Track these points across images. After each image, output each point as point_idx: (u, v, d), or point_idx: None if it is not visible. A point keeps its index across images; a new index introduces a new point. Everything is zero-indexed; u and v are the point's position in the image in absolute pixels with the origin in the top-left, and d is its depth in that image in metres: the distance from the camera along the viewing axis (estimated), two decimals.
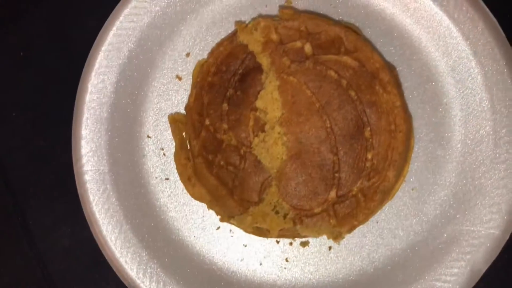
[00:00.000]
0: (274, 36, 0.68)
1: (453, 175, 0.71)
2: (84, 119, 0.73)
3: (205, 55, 0.75)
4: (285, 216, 0.66)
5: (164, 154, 0.75)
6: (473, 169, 0.70)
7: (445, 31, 0.72)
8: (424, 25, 0.73)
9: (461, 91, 0.72)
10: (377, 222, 0.71)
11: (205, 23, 0.76)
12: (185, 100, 0.75)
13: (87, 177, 0.72)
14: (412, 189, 0.71)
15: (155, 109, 0.75)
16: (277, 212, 0.66)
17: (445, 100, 0.72)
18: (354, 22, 0.74)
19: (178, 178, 0.73)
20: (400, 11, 0.74)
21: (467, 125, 0.71)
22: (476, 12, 0.71)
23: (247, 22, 0.75)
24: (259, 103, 0.68)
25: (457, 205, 0.70)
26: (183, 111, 0.75)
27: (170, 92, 0.76)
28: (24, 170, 0.77)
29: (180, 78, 0.76)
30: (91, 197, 0.71)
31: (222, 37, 0.76)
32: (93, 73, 0.73)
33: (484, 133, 0.70)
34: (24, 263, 0.76)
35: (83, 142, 0.72)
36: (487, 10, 0.71)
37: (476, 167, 0.70)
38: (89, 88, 0.73)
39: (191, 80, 0.75)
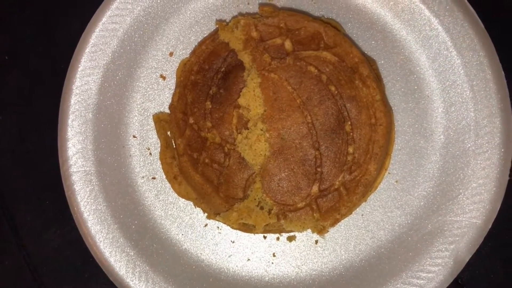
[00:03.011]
0: (254, 34, 0.69)
1: (436, 166, 0.71)
2: (69, 121, 0.73)
3: (188, 54, 0.76)
4: (269, 212, 0.66)
5: (150, 154, 0.75)
6: (455, 160, 0.71)
7: (425, 23, 0.73)
8: (404, 18, 0.73)
9: (442, 82, 0.72)
10: (362, 215, 0.72)
11: (188, 22, 0.76)
12: (170, 100, 0.75)
13: (74, 178, 0.72)
14: (396, 181, 0.72)
15: (140, 109, 0.76)
16: (261, 208, 0.67)
17: (427, 92, 0.73)
18: (335, 17, 0.75)
19: (165, 177, 0.74)
20: (380, 5, 0.74)
21: (449, 117, 0.72)
22: (456, 4, 0.72)
23: (228, 20, 0.75)
24: (241, 101, 0.68)
25: (440, 196, 0.70)
26: (167, 111, 0.75)
27: (155, 92, 0.76)
28: (12, 173, 0.78)
29: (164, 78, 0.76)
30: (78, 198, 0.72)
31: (205, 35, 0.76)
32: (77, 75, 0.74)
33: (466, 123, 0.71)
34: (14, 265, 0.76)
35: (69, 144, 0.73)
36: (466, 2, 0.72)
37: (459, 157, 0.71)
38: (73, 90, 0.74)
39: (175, 79, 0.75)
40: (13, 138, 0.78)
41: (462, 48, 0.72)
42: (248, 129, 0.68)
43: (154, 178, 0.74)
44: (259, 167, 0.67)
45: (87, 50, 0.74)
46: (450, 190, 0.70)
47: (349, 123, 0.66)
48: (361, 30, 0.74)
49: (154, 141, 0.75)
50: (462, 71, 0.72)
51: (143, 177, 0.75)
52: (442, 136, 0.72)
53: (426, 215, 0.70)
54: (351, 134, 0.66)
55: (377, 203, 0.72)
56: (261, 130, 0.67)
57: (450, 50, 0.72)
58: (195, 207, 0.72)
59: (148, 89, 0.76)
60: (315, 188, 0.65)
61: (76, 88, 0.74)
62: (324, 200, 0.65)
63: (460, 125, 0.71)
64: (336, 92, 0.66)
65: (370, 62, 0.70)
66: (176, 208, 0.74)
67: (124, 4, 0.75)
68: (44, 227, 0.76)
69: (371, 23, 0.74)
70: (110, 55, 0.75)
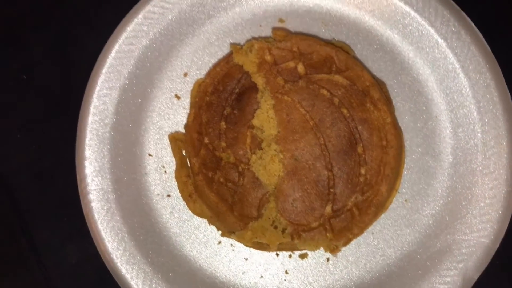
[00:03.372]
0: (268, 57, 0.71)
1: (445, 186, 0.73)
2: (87, 140, 0.75)
3: (202, 74, 0.78)
4: (283, 231, 0.68)
5: (165, 172, 0.77)
6: (463, 180, 0.73)
7: (433, 46, 0.75)
8: (413, 40, 0.75)
9: (450, 104, 0.74)
10: (373, 233, 0.73)
11: (202, 43, 0.78)
12: (184, 119, 0.77)
13: (91, 196, 0.74)
14: (405, 200, 0.74)
15: (155, 128, 0.78)
16: (275, 227, 0.68)
17: (435, 113, 0.75)
18: (345, 39, 0.77)
19: (179, 194, 0.76)
20: (390, 28, 0.76)
21: (457, 137, 0.74)
22: (463, 27, 0.74)
23: (242, 43, 0.77)
24: (255, 122, 0.70)
25: (449, 215, 0.72)
26: (182, 130, 0.77)
27: (169, 111, 0.78)
28: (30, 190, 0.79)
29: (178, 97, 0.78)
30: (96, 216, 0.74)
31: (219, 56, 0.78)
32: (94, 96, 0.76)
33: (473, 144, 0.73)
34: (32, 281, 0.78)
35: (86, 163, 0.75)
36: (473, 25, 0.74)
37: (467, 177, 0.72)
38: (91, 110, 0.76)
39: (190, 99, 0.78)
40: (31, 156, 0.80)
41: (469, 71, 0.74)
42: (262, 150, 0.70)
43: (169, 195, 0.76)
44: (273, 187, 0.69)
45: (104, 71, 0.76)
46: (458, 209, 0.72)
47: (361, 145, 0.68)
48: (370, 52, 0.76)
49: (168, 159, 0.77)
50: (469, 93, 0.74)
51: (158, 194, 0.76)
52: (450, 156, 0.74)
53: (435, 234, 0.72)
54: (363, 155, 0.68)
55: (387, 221, 0.73)
56: (275, 150, 0.69)
57: (458, 72, 0.74)
58: (209, 225, 0.74)
59: (163, 108, 0.78)
60: (328, 209, 0.67)
61: (93, 108, 0.76)
62: (337, 220, 0.67)
63: (468, 146, 0.73)
64: (348, 114, 0.68)
65: (380, 85, 0.72)
66: (191, 226, 0.75)
67: (140, 26, 0.77)
68: (61, 244, 0.78)
69: (381, 46, 0.76)
70: (126, 75, 0.77)
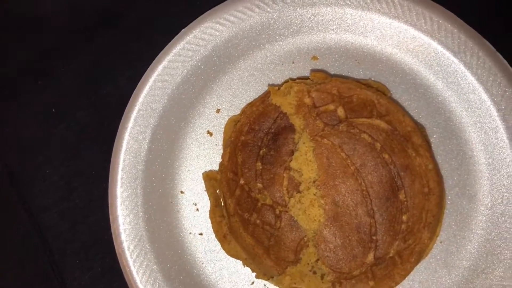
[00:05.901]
0: (307, 100, 0.70)
1: (481, 228, 0.73)
2: (118, 178, 0.74)
3: (234, 111, 0.77)
4: (322, 277, 0.67)
5: (197, 209, 0.76)
6: (500, 222, 0.72)
7: (468, 86, 0.75)
8: (448, 81, 0.75)
9: (485, 144, 0.74)
10: (408, 276, 0.73)
11: (234, 80, 0.78)
12: (216, 156, 0.77)
13: (124, 236, 0.73)
14: (441, 242, 0.73)
15: (187, 165, 0.77)
16: (314, 272, 0.68)
17: (470, 154, 0.74)
18: (379, 79, 0.76)
19: (212, 232, 0.75)
20: (425, 68, 0.76)
21: (493, 179, 0.73)
22: (499, 68, 0.73)
23: (275, 80, 0.77)
24: (293, 164, 0.70)
25: (485, 258, 0.71)
26: (214, 166, 0.76)
27: (201, 147, 0.77)
28: (60, 228, 0.78)
29: (211, 134, 0.78)
30: (128, 256, 0.73)
31: (251, 93, 0.78)
32: (127, 133, 0.75)
33: (510, 184, 0.72)
34: None
35: (119, 201, 0.74)
36: (509, 66, 0.74)
37: (504, 220, 0.72)
38: (124, 148, 0.75)
39: (222, 135, 0.77)
40: (60, 193, 0.79)
41: (505, 112, 0.73)
42: (300, 193, 0.69)
43: (201, 234, 0.75)
44: (312, 232, 0.68)
45: (137, 108, 0.76)
46: (496, 252, 0.71)
47: (403, 191, 0.67)
48: (404, 91, 0.76)
49: (200, 197, 0.76)
50: (505, 134, 0.73)
51: (190, 233, 0.75)
52: (486, 198, 0.73)
53: (472, 277, 0.71)
54: (405, 202, 0.67)
55: (422, 264, 0.72)
56: (314, 195, 0.68)
57: (493, 112, 0.74)
58: (244, 267, 0.73)
59: (196, 144, 0.77)
60: (370, 257, 0.66)
61: (126, 145, 0.75)
62: (379, 268, 0.66)
63: (504, 187, 0.72)
64: (390, 160, 0.67)
65: (420, 129, 0.71)
66: (224, 265, 0.74)
67: (173, 62, 0.77)
68: (92, 283, 0.77)
69: (415, 85, 0.76)
70: (160, 112, 0.76)
